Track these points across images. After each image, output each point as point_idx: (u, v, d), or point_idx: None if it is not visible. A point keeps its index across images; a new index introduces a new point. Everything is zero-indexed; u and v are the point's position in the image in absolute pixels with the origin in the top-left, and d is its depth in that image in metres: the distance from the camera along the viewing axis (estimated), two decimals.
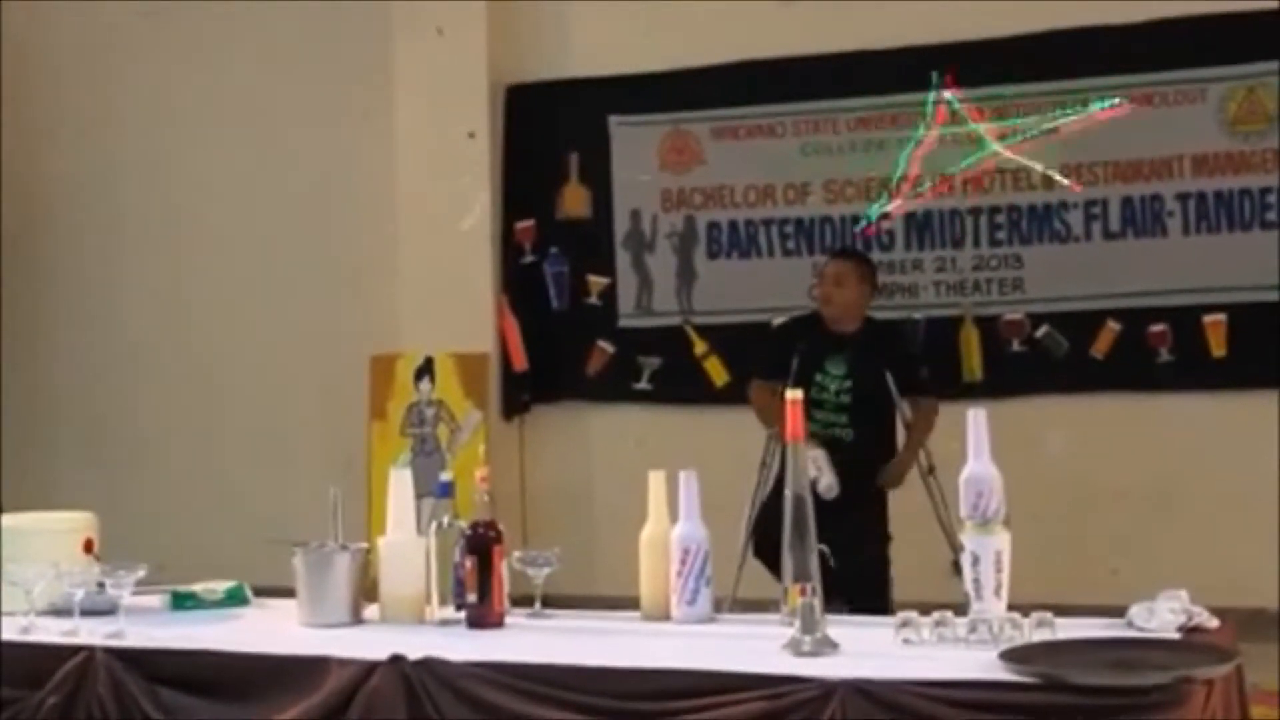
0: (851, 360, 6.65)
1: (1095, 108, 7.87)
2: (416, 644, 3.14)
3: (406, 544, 3.53)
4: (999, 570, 3.05)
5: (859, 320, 6.84)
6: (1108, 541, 7.71)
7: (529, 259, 8.81)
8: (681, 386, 8.53)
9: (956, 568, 3.22)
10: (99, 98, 9.47)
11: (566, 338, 8.75)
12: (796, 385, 6.40)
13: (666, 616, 3.43)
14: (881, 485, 6.71)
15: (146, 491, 8.88)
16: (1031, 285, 8.03)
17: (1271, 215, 7.68)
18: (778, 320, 7.78)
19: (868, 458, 6.66)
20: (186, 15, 9.14)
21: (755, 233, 8.48)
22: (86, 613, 3.46)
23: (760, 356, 7.16)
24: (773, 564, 6.11)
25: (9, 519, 3.91)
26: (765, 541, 6.32)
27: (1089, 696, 2.66)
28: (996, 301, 8.06)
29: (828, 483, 6.31)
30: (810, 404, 6.45)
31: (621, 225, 8.70)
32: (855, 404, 6.64)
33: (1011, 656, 2.80)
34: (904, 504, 6.75)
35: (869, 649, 3.02)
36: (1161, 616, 3.11)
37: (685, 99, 8.51)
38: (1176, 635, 3.06)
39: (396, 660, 3.06)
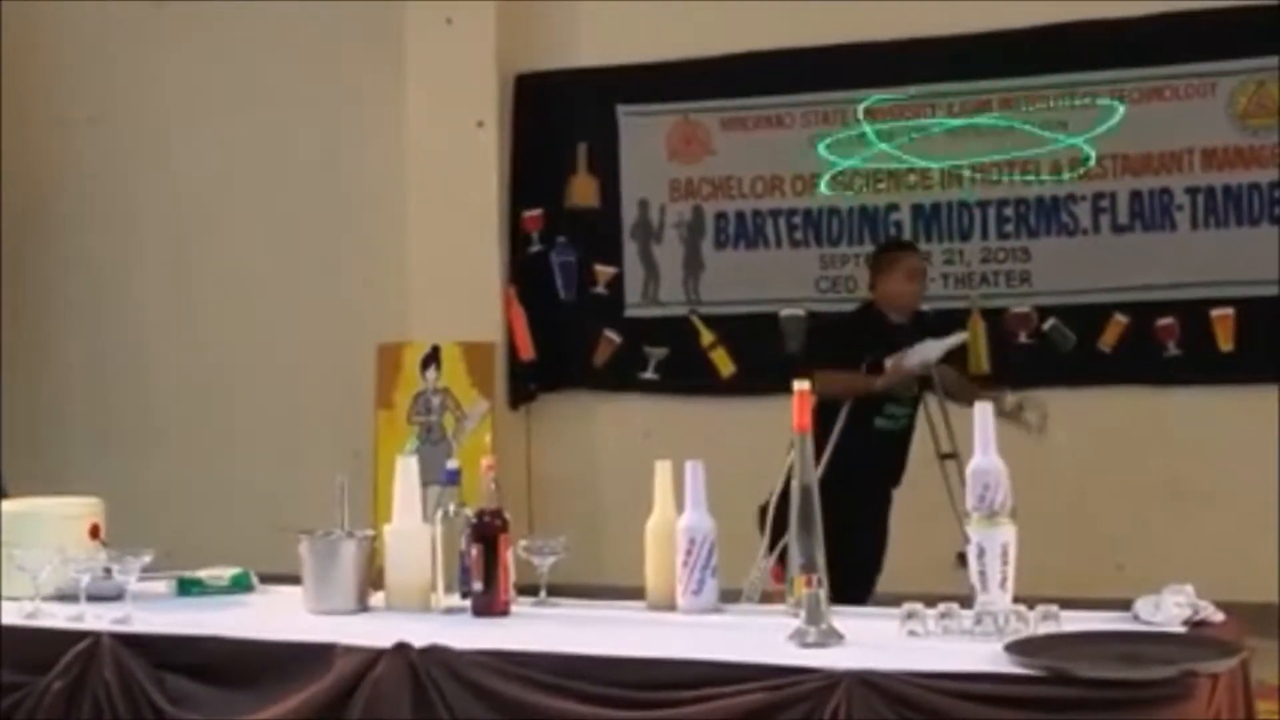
0: None
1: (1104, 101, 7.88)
2: (422, 631, 3.14)
3: (412, 532, 3.53)
4: (1005, 563, 3.05)
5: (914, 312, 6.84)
6: (1114, 535, 7.71)
7: (536, 248, 8.81)
8: (688, 377, 8.54)
9: (962, 560, 3.22)
10: (109, 86, 9.48)
11: (573, 327, 8.76)
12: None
13: (672, 606, 3.42)
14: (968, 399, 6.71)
15: (153, 477, 8.89)
16: (1039, 278, 8.03)
17: None
18: (786, 312, 7.83)
19: (909, 444, 6.68)
20: (196, 4, 9.14)
21: (763, 223, 8.49)
22: (93, 598, 3.46)
23: (825, 352, 7.08)
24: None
25: (16, 504, 3.92)
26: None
27: (1094, 689, 2.65)
28: (1004, 294, 8.06)
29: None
30: (889, 399, 6.46)
31: (629, 215, 8.70)
32: (918, 394, 6.66)
33: (1017, 649, 2.80)
34: (909, 493, 6.75)
35: (874, 640, 3.01)
36: (1167, 610, 3.10)
37: (694, 89, 8.51)
38: (1182, 629, 3.06)
39: (402, 648, 3.05)
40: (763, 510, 6.37)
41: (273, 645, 3.23)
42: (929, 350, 6.38)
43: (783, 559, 6.29)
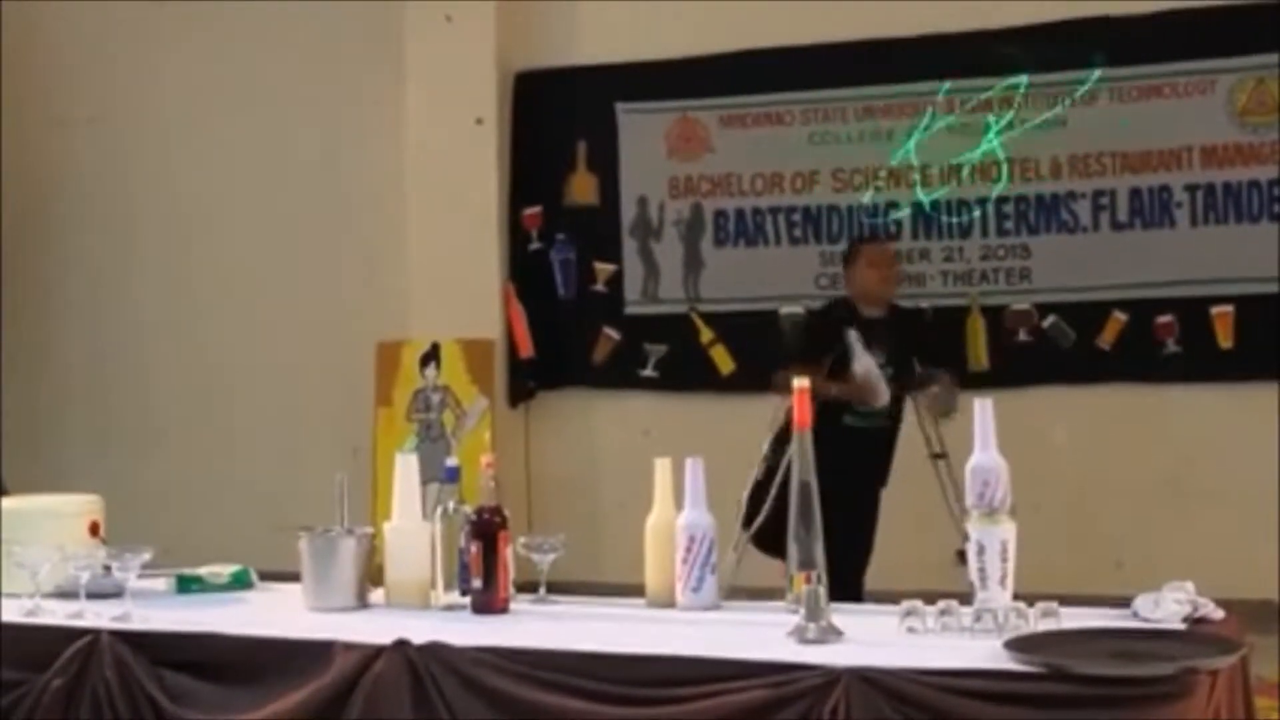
0: (891, 348, 6.64)
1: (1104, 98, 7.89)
2: (421, 629, 3.14)
3: (412, 529, 3.53)
4: (1004, 560, 3.05)
5: (889, 305, 6.85)
6: (1113, 532, 7.71)
7: (536, 246, 8.81)
8: (688, 374, 8.54)
9: (961, 557, 3.22)
10: (109, 86, 9.48)
11: (573, 325, 8.76)
12: (839, 378, 6.44)
13: (671, 603, 3.42)
14: (940, 411, 6.65)
15: (153, 475, 8.89)
16: (1039, 275, 8.03)
17: (1279, 207, 7.67)
18: (785, 310, 7.82)
19: (893, 445, 6.68)
20: (196, 4, 9.13)
21: (762, 221, 8.48)
22: (92, 595, 3.45)
23: (793, 346, 7.11)
24: (774, 550, 6.15)
25: (15, 501, 3.91)
26: (771, 531, 6.36)
27: (1094, 686, 2.65)
28: (1004, 291, 8.06)
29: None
30: None
31: (628, 212, 8.70)
32: (892, 391, 6.64)
33: (1016, 646, 2.80)
34: (908, 491, 6.75)
35: (873, 637, 3.01)
36: (1167, 607, 3.10)
37: (693, 86, 8.51)
38: (1182, 626, 3.06)
39: (401, 645, 3.05)
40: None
41: (272, 642, 3.23)
42: (865, 361, 6.41)
43: (760, 543, 6.36)
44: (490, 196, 8.73)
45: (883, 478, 6.67)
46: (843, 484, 6.27)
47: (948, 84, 8.09)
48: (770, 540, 6.32)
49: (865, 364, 6.44)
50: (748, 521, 6.45)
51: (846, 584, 6.15)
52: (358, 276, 8.94)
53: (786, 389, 6.69)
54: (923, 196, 8.18)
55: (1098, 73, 7.84)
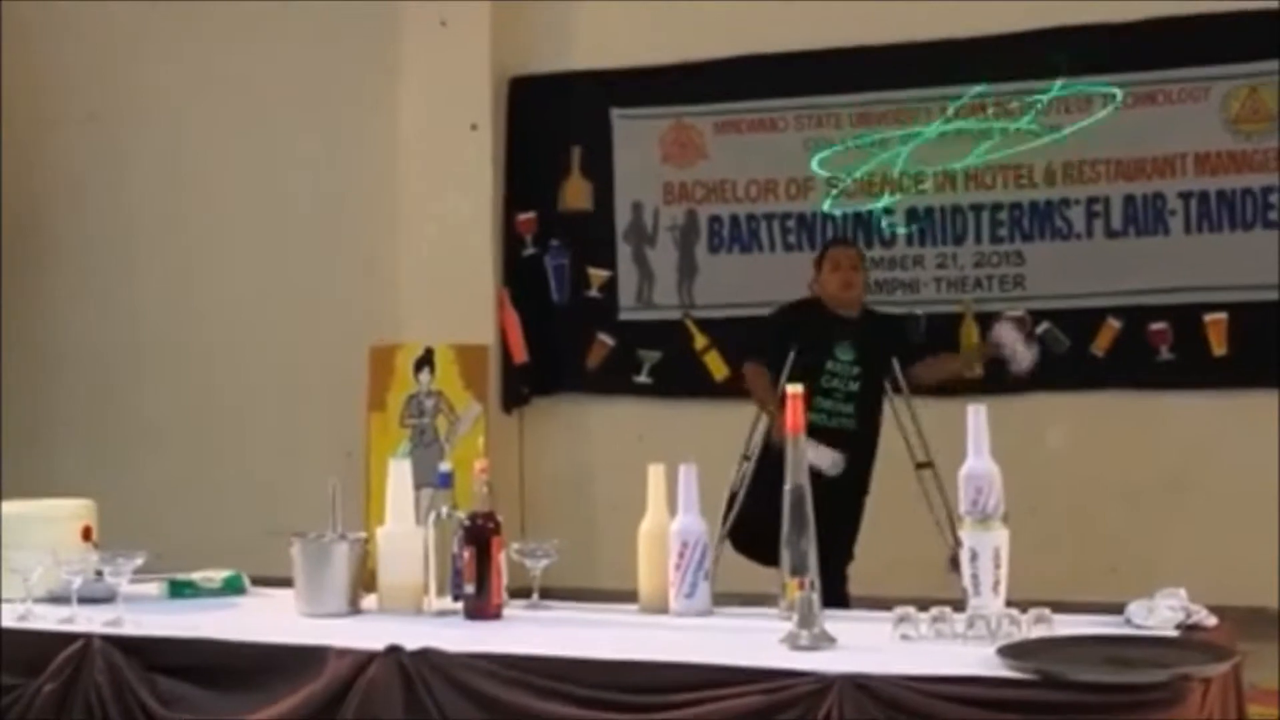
0: (860, 347, 6.63)
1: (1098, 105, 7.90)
2: (414, 634, 3.13)
3: (405, 534, 3.52)
4: (997, 566, 3.04)
5: (861, 306, 6.85)
6: (1107, 539, 7.71)
7: (530, 251, 8.81)
8: (681, 380, 8.54)
9: (954, 563, 3.21)
10: (106, 87, 9.48)
11: (567, 330, 8.75)
12: (804, 373, 6.42)
13: (665, 609, 3.42)
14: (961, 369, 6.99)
15: (145, 480, 8.88)
16: (1033, 282, 8.03)
17: (1273, 214, 7.70)
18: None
19: (868, 449, 6.65)
20: (192, 4, 9.13)
21: (756, 227, 8.49)
22: (84, 600, 3.45)
23: (760, 339, 7.12)
24: (752, 553, 6.14)
25: (8, 506, 3.90)
26: (744, 532, 6.35)
27: (1086, 693, 2.65)
28: (997, 298, 8.06)
29: (831, 459, 6.29)
30: (817, 392, 6.43)
31: (623, 218, 8.70)
32: (862, 392, 6.62)
33: (1009, 652, 2.79)
34: (901, 497, 6.75)
35: (866, 643, 3.01)
36: (1160, 614, 3.10)
37: (688, 92, 8.52)
38: (1175, 633, 3.06)
39: (394, 650, 3.05)
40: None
41: (265, 648, 3.23)
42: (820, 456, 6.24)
43: (735, 540, 6.35)
44: (484, 202, 8.73)
45: (857, 479, 6.59)
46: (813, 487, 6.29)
47: (941, 90, 8.10)
48: (748, 542, 6.32)
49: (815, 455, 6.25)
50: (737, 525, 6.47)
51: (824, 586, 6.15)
52: (352, 280, 8.93)
53: (750, 387, 6.64)
54: (916, 203, 8.20)
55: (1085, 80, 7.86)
